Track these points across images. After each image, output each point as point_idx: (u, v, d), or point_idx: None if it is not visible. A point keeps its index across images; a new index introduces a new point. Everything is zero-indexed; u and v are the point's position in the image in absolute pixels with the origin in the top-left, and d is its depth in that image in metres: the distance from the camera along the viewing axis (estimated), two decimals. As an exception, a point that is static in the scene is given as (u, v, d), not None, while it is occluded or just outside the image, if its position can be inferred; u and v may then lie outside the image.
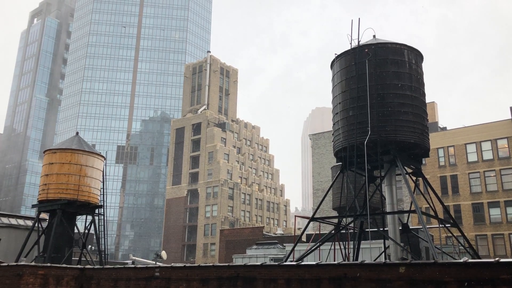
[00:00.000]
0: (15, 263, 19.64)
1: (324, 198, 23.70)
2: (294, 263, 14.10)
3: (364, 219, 21.01)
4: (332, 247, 26.31)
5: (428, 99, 24.34)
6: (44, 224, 30.26)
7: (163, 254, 47.55)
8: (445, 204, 45.50)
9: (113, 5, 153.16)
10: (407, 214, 21.30)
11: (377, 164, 20.99)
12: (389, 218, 21.09)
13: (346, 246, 23.92)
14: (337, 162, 23.02)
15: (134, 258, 53.42)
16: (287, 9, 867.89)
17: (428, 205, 35.10)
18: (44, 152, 30.73)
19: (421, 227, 31.66)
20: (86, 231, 30.19)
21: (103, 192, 30.73)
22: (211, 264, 15.77)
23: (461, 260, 10.91)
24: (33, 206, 31.06)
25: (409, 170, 22.14)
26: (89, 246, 51.69)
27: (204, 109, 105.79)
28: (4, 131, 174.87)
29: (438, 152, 56.94)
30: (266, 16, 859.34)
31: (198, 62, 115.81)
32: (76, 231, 30.39)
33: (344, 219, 23.50)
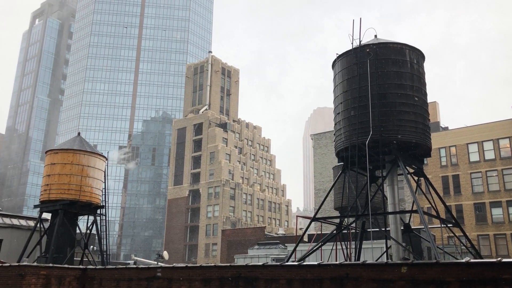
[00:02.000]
0: (17, 264, 19.68)
1: (325, 198, 23.71)
2: (296, 263, 14.11)
3: (366, 219, 20.99)
4: (334, 247, 26.29)
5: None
6: (46, 225, 30.31)
7: (165, 254, 47.54)
8: (447, 204, 45.46)
9: (114, 6, 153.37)
10: (409, 214, 21.27)
11: (379, 164, 20.98)
12: (391, 218, 21.07)
13: (348, 246, 23.91)
14: (338, 162, 23.01)
15: (136, 258, 53.41)
16: (293, 9, 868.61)
17: (430, 205, 35.04)
18: (46, 152, 30.77)
19: (423, 227, 31.61)
20: (88, 231, 30.21)
21: (105, 192, 30.77)
22: (213, 264, 15.77)
23: (463, 260, 10.89)
24: (35, 206, 31.11)
25: (411, 170, 22.12)
26: (91, 247, 51.71)
27: (206, 109, 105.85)
28: (6, 132, 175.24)
29: (440, 152, 56.86)
30: (268, 16, 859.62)
31: (200, 62, 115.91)
32: (78, 231, 30.43)
33: (345, 219, 23.49)
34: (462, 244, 27.58)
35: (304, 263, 13.60)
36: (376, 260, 20.04)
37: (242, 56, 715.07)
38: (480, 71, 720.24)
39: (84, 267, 20.09)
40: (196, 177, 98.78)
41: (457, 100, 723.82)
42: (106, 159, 31.61)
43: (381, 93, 20.07)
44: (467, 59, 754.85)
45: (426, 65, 22.58)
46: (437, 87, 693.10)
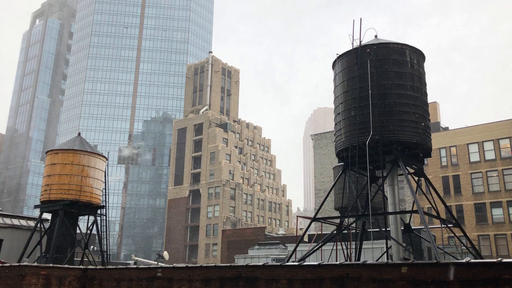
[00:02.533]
0: (17, 264, 19.69)
1: (326, 198, 23.71)
2: (296, 263, 14.11)
3: (366, 219, 20.98)
4: (334, 248, 26.29)
5: (432, 99, 24.34)
6: (46, 225, 30.34)
7: (165, 254, 47.62)
8: (447, 204, 45.42)
9: (115, 6, 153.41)
10: (409, 214, 21.26)
11: (379, 164, 20.97)
12: (391, 218, 21.06)
13: (348, 247, 23.89)
14: (339, 162, 23.01)
15: (136, 258, 53.45)
16: (304, 13, 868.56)
17: (430, 205, 35.08)
18: (46, 153, 30.78)
19: (423, 227, 31.61)
20: (88, 231, 30.23)
21: (105, 192, 30.77)
22: (213, 265, 15.77)
23: (464, 260, 10.89)
24: (36, 206, 31.15)
25: (411, 170, 22.11)
26: (91, 247, 51.74)
27: (206, 109, 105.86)
28: (7, 132, 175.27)
29: (440, 152, 56.85)
30: (280, 18, 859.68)
31: (200, 63, 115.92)
32: (78, 231, 30.44)
33: (346, 219, 23.49)
34: (462, 244, 27.61)
35: (305, 263, 13.61)
36: (377, 260, 20.04)
37: (245, 57, 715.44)
38: (490, 74, 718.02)
39: (84, 267, 20.10)
40: (196, 177, 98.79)
41: (464, 102, 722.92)
42: (107, 159, 31.63)
43: (381, 93, 20.07)
44: (477, 62, 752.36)
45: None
46: (446, 89, 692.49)
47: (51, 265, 19.52)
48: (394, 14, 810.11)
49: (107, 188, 31.02)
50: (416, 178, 22.41)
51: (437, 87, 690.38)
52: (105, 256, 30.10)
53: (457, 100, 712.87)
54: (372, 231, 23.65)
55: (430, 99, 21.76)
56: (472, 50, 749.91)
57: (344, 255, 24.15)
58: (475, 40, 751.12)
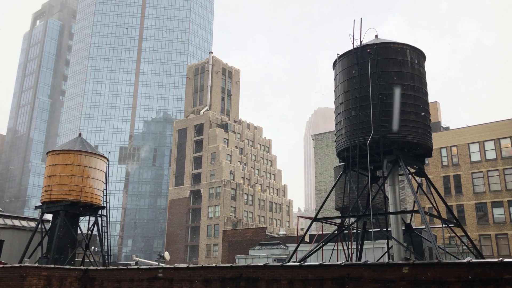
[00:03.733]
0: (18, 265, 19.69)
1: (326, 198, 23.68)
2: (297, 263, 14.10)
3: (367, 219, 20.95)
4: (335, 248, 26.27)
5: (432, 99, 24.17)
6: (47, 226, 30.34)
7: (166, 255, 47.70)
8: (448, 204, 45.37)
9: (115, 7, 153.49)
10: (410, 214, 21.24)
11: (380, 164, 20.95)
12: (392, 218, 21.05)
13: (349, 247, 23.88)
14: (339, 162, 23.00)
15: (137, 259, 53.47)
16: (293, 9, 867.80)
17: (431, 205, 35.06)
18: (47, 153, 30.80)
19: (424, 227, 31.57)
20: (89, 232, 30.24)
21: (106, 193, 30.78)
22: (214, 265, 15.77)
23: (465, 260, 10.88)
24: (36, 207, 31.13)
25: (412, 170, 22.10)
26: (92, 247, 51.74)
27: (207, 110, 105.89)
28: (7, 133, 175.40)
29: (441, 152, 56.82)
30: (267, 15, 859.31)
31: (200, 63, 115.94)
32: (79, 232, 30.45)
33: (347, 219, 23.48)
34: (463, 244, 27.60)
35: (306, 264, 13.60)
36: (378, 260, 20.02)
37: (245, 57, 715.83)
38: (504, 77, 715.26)
39: (85, 268, 20.10)
40: (197, 178, 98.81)
41: (474, 104, 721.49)
42: (107, 160, 31.64)
43: (381, 93, 20.06)
44: (491, 65, 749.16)
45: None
46: (460, 90, 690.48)
47: (52, 266, 19.53)
48: (416, 20, 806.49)
49: (107, 188, 31.03)
50: (417, 178, 22.38)
51: (451, 88, 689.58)
52: (106, 256, 30.11)
53: (469, 102, 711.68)
54: (373, 231, 23.62)
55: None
56: (491, 54, 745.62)
57: (345, 255, 24.13)
58: (495, 44, 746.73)
